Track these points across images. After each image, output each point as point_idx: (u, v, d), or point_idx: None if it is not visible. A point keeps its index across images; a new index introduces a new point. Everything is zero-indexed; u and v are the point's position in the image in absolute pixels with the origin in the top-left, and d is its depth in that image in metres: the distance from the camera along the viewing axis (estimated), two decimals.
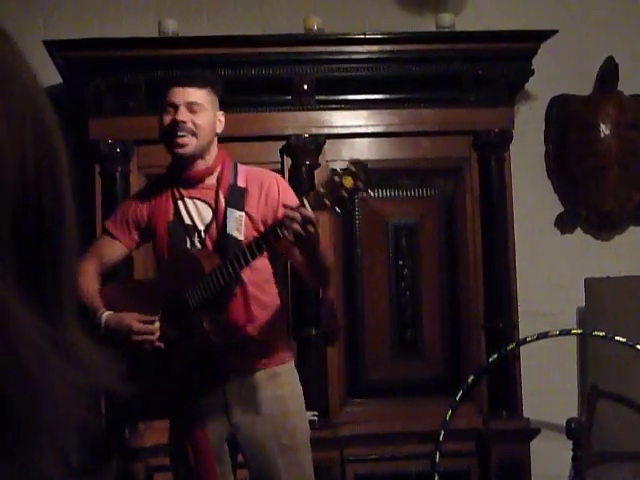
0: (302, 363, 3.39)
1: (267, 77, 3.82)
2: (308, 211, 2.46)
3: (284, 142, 3.85)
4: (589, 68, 4.26)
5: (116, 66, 3.76)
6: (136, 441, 3.66)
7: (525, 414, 3.91)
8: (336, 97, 3.89)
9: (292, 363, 2.87)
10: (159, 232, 2.81)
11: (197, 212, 2.79)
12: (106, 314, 2.75)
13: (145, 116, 3.79)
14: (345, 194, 2.47)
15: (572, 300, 4.19)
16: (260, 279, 2.78)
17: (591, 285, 4.07)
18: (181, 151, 2.76)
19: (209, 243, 2.76)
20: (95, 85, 3.75)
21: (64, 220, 0.67)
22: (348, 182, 2.46)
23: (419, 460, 3.75)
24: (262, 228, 2.73)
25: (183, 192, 2.81)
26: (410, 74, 3.88)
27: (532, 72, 3.98)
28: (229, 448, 2.81)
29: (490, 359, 3.74)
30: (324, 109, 3.89)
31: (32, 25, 4.05)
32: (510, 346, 3.78)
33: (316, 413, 3.61)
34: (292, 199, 2.72)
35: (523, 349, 3.91)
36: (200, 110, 2.77)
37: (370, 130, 3.91)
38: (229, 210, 2.75)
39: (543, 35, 3.92)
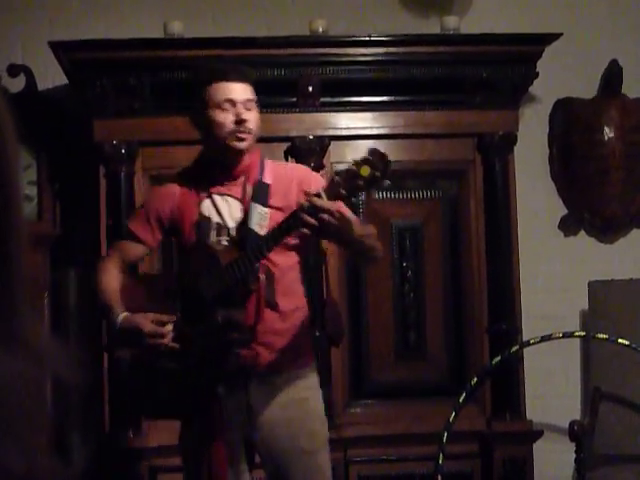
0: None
1: (272, 79, 3.82)
2: (319, 201, 2.43)
3: (289, 144, 3.86)
4: (593, 71, 4.27)
5: (121, 67, 3.76)
6: (140, 441, 3.66)
7: (528, 416, 3.92)
8: (341, 99, 3.89)
9: (314, 366, 2.84)
10: (185, 230, 2.77)
11: (228, 209, 2.75)
12: (122, 316, 2.71)
13: (150, 117, 3.81)
14: (362, 183, 2.43)
15: (575, 303, 4.19)
16: (286, 278, 2.74)
17: (594, 288, 4.08)
18: (240, 146, 2.70)
19: (236, 240, 2.72)
20: (100, 86, 3.75)
21: (11, 206, 0.65)
22: (365, 171, 2.41)
23: (422, 462, 3.76)
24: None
25: (212, 189, 2.76)
26: (415, 76, 3.89)
27: (536, 75, 3.98)
28: (246, 449, 2.77)
29: (493, 361, 3.74)
30: (329, 111, 3.89)
31: (38, 26, 4.05)
32: (513, 348, 3.78)
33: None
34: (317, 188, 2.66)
35: (526, 351, 3.91)
36: (253, 107, 2.73)
37: (375, 132, 3.91)
38: (253, 205, 2.71)
39: (548, 38, 3.92)
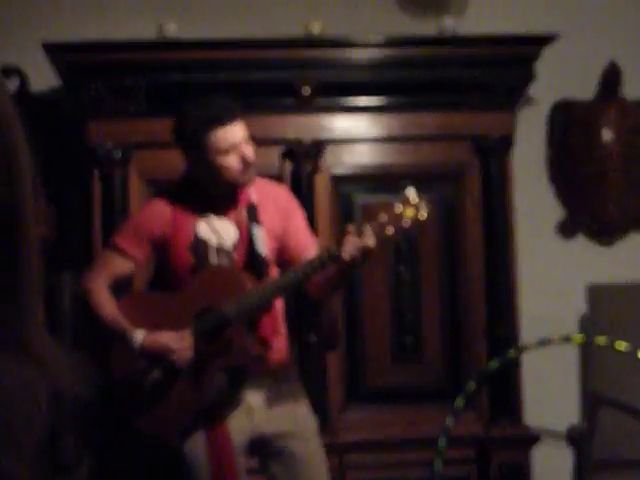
0: (302, 369, 3.38)
1: (268, 81, 3.81)
2: (370, 240, 2.59)
3: (285, 146, 3.84)
4: (591, 73, 4.25)
5: (116, 69, 3.75)
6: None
7: (526, 421, 3.90)
8: (337, 101, 3.87)
9: (294, 363, 3.00)
10: (179, 250, 2.80)
11: (224, 231, 2.80)
12: (141, 335, 2.75)
13: (145, 120, 3.79)
14: (407, 224, 2.61)
15: (574, 306, 4.18)
16: None
17: (593, 291, 4.06)
18: (249, 182, 2.80)
19: (238, 261, 2.80)
20: (95, 88, 3.74)
21: (22, 218, 0.65)
22: (410, 212, 2.60)
23: (419, 467, 3.74)
24: (275, 242, 2.82)
25: (207, 211, 2.81)
26: (411, 78, 3.87)
27: (534, 77, 3.97)
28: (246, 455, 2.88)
29: (491, 366, 3.72)
30: (325, 113, 3.88)
31: (32, 27, 4.03)
32: (511, 353, 3.76)
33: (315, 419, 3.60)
34: (299, 211, 2.88)
35: (524, 356, 3.89)
36: (249, 140, 2.80)
37: (371, 135, 3.90)
38: (254, 227, 2.79)
39: (545, 40, 3.91)
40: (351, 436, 3.78)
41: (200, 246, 2.79)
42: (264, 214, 2.82)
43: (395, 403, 3.88)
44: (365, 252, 2.60)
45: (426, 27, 4.13)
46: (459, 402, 3.58)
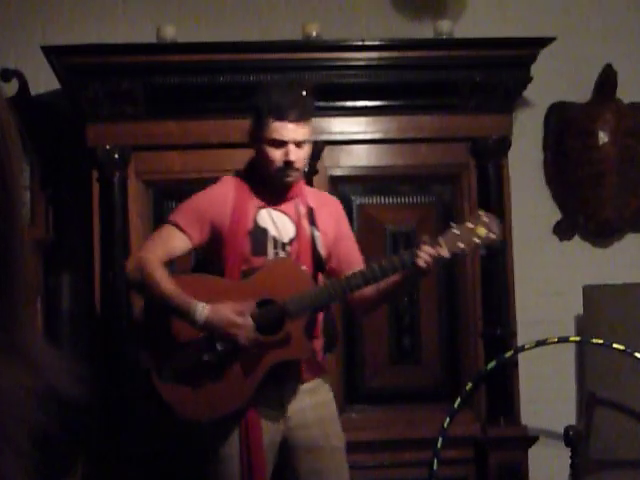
0: None
1: (266, 83, 3.82)
2: (444, 250, 2.73)
3: None
4: (588, 75, 4.26)
5: (114, 72, 3.76)
6: None
7: (523, 421, 3.91)
8: (334, 103, 3.88)
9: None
10: (238, 235, 2.81)
11: (282, 224, 2.86)
12: (206, 306, 2.73)
13: (143, 122, 3.80)
14: (478, 241, 2.76)
15: (570, 307, 4.19)
16: None
17: (589, 292, 4.07)
18: (285, 182, 2.86)
19: (294, 257, 2.85)
20: (93, 91, 3.75)
21: (14, 221, 0.65)
22: (482, 231, 2.76)
23: (417, 467, 3.74)
24: (325, 249, 2.90)
25: (268, 202, 2.86)
26: (408, 81, 3.88)
27: (530, 79, 3.98)
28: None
29: (488, 366, 3.73)
30: (322, 115, 3.88)
31: (30, 30, 4.04)
32: (508, 353, 3.77)
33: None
34: (348, 224, 3.03)
35: (521, 356, 3.90)
36: (305, 145, 2.85)
37: (368, 137, 3.91)
38: (314, 229, 2.87)
39: (542, 42, 3.92)
40: (349, 436, 3.75)
41: (259, 234, 2.83)
42: (319, 220, 2.89)
43: (393, 404, 3.88)
44: (437, 262, 2.73)
45: (423, 30, 4.14)
46: (457, 403, 3.59)
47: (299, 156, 2.82)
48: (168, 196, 3.84)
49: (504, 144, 3.96)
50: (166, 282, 2.77)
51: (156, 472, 3.69)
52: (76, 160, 3.92)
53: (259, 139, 2.85)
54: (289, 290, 2.75)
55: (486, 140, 3.92)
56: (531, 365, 4.00)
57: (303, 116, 2.83)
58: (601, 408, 3.88)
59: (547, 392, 4.16)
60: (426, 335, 3.93)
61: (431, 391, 3.90)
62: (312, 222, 2.87)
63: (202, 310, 2.72)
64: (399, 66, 3.89)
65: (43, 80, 3.99)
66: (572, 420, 4.05)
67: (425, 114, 3.92)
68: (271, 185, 2.87)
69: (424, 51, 3.93)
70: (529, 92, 4.11)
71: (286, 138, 2.80)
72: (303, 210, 2.87)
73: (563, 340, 3.84)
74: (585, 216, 4.25)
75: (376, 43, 3.90)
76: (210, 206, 2.86)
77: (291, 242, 2.84)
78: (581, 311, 4.13)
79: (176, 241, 2.85)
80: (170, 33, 3.89)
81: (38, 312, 3.84)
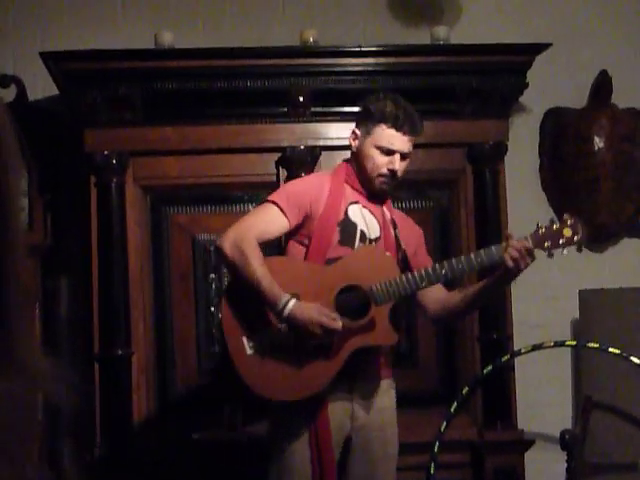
0: None
1: (263, 89, 3.83)
2: (530, 244, 2.79)
3: (280, 154, 3.86)
4: (583, 81, 4.28)
5: (112, 78, 3.77)
6: None
7: (519, 425, 3.92)
8: (332, 109, 3.90)
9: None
10: (329, 224, 2.86)
11: (370, 222, 2.92)
12: (293, 303, 2.74)
13: (141, 127, 3.81)
14: (563, 242, 2.84)
15: (566, 312, 4.20)
16: None
17: (585, 297, 4.08)
18: (383, 188, 2.93)
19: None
20: (91, 96, 3.76)
21: (8, 221, 0.65)
22: (568, 232, 2.85)
23: (414, 471, 3.75)
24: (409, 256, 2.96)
25: (360, 199, 2.93)
26: (405, 86, 3.89)
27: (526, 85, 4.00)
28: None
29: (485, 370, 3.74)
30: (320, 121, 3.90)
31: (29, 36, 4.06)
32: (504, 357, 3.78)
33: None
34: (426, 250, 3.08)
35: (517, 360, 3.91)
36: (408, 158, 2.93)
37: None
38: (397, 231, 2.95)
39: (537, 48, 3.94)
40: None
41: (349, 226, 2.89)
42: (402, 233, 2.96)
43: None
44: (524, 262, 2.78)
45: (420, 36, 4.16)
46: (453, 407, 3.60)
47: (402, 167, 2.90)
48: (166, 201, 3.85)
49: (500, 149, 3.97)
50: (260, 266, 2.76)
51: (157, 475, 3.69)
52: (74, 165, 3.93)
53: (365, 138, 2.91)
54: (375, 276, 2.79)
55: (483, 145, 3.93)
56: (527, 369, 4.01)
57: (415, 131, 2.91)
58: (597, 412, 3.89)
59: (543, 396, 4.17)
60: (423, 339, 3.93)
61: (428, 395, 3.90)
62: (395, 229, 2.97)
63: (287, 302, 2.73)
64: (396, 72, 3.91)
65: (41, 86, 4.01)
66: (568, 424, 4.06)
67: (422, 119, 3.92)
68: (367, 186, 2.93)
69: (421, 57, 3.95)
70: (525, 98, 4.13)
71: (396, 148, 2.88)
72: (389, 216, 2.96)
73: (559, 344, 3.86)
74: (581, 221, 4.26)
75: (373, 49, 3.92)
76: (310, 191, 2.91)
77: (377, 239, 2.92)
78: (577, 315, 4.14)
79: (275, 223, 2.87)
80: (168, 39, 3.90)
81: (36, 317, 3.84)
